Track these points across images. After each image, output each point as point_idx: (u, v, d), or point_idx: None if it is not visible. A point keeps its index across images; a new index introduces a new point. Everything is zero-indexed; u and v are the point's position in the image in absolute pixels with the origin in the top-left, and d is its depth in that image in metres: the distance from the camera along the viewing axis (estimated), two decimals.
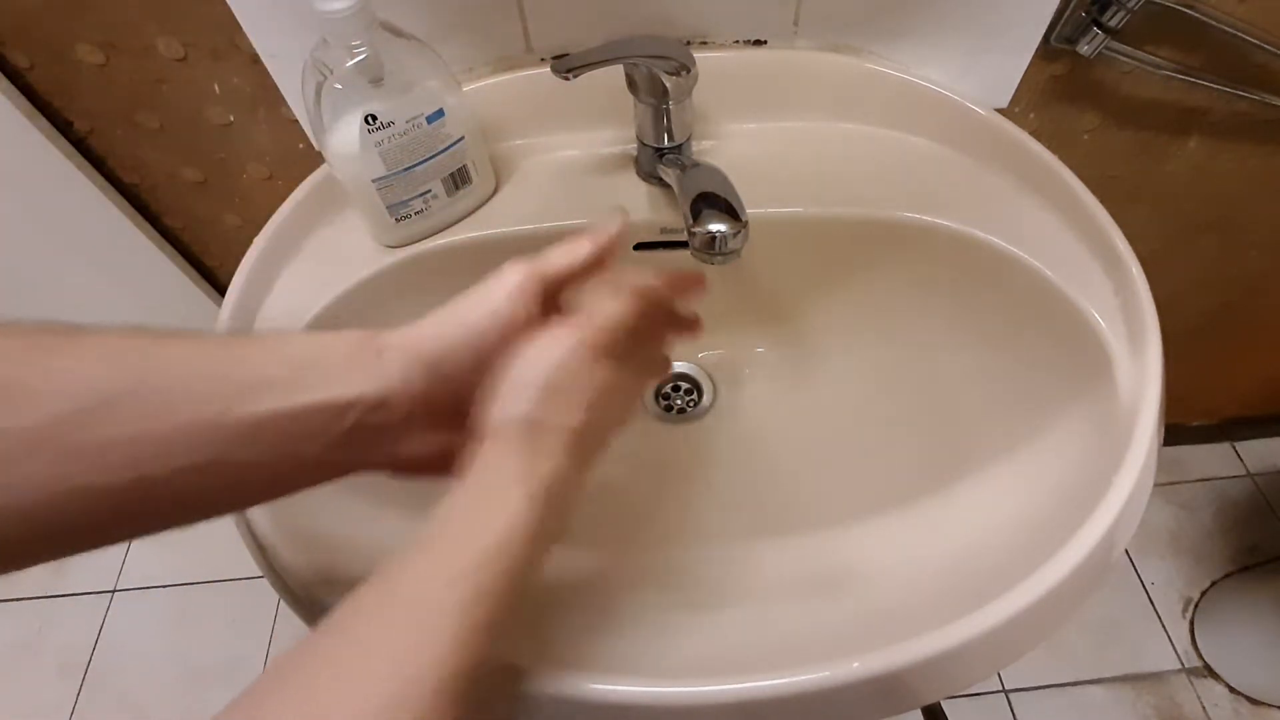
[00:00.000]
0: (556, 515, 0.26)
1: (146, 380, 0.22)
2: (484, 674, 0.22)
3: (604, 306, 0.29)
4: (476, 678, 0.22)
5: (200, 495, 0.24)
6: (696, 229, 0.36)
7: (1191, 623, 1.00)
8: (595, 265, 0.32)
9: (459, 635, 0.22)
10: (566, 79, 0.38)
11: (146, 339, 0.23)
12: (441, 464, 0.28)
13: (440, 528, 0.24)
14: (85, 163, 0.53)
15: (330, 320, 0.42)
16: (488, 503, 0.25)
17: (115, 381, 0.21)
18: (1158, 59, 0.47)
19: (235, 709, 0.20)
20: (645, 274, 0.32)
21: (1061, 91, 0.51)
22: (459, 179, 0.43)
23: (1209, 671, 0.96)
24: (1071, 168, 0.44)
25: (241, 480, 0.24)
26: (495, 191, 0.47)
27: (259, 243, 0.44)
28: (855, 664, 0.30)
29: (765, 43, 0.46)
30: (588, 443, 0.28)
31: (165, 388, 0.22)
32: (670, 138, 0.42)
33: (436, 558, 0.23)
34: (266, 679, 0.21)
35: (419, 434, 0.27)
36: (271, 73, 0.46)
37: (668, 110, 0.41)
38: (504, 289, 0.28)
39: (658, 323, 0.33)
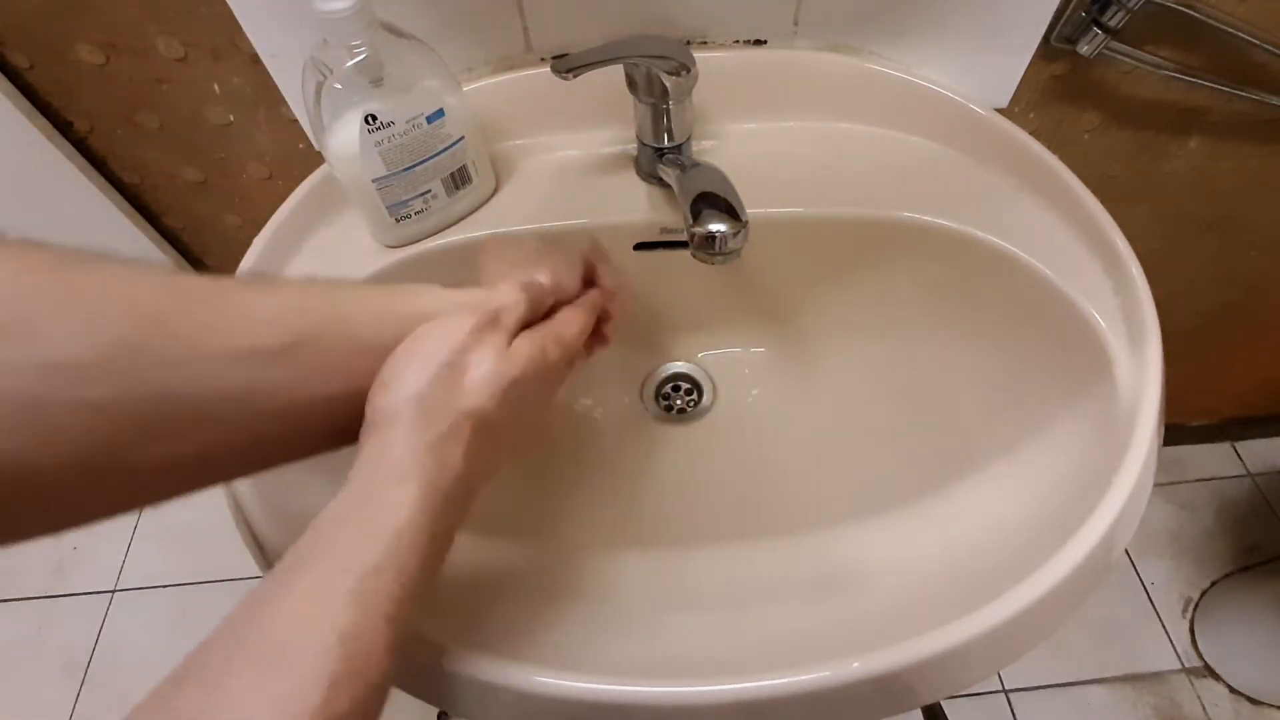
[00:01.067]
0: (455, 511, 0.25)
1: (341, 313, 0.26)
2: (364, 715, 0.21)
3: (503, 294, 0.29)
4: (368, 668, 0.21)
5: (253, 434, 0.25)
6: (696, 229, 0.36)
7: (1191, 623, 1.00)
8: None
9: (340, 676, 0.20)
10: (566, 79, 0.38)
11: (328, 284, 0.27)
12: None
13: (322, 539, 0.23)
14: (85, 163, 0.53)
15: None
16: (375, 503, 0.24)
17: (318, 314, 0.25)
18: (1158, 59, 0.47)
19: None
20: (558, 265, 0.32)
21: (1061, 91, 0.51)
22: (459, 179, 0.43)
23: (1209, 671, 0.96)
24: (1071, 168, 0.44)
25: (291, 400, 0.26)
26: (495, 191, 0.47)
27: (259, 243, 0.44)
28: (855, 664, 0.30)
29: (765, 43, 0.46)
30: (497, 427, 0.27)
31: (353, 318, 0.26)
32: (670, 138, 0.42)
33: (317, 578, 0.22)
34: (184, 670, 0.20)
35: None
36: (271, 73, 0.46)
37: (668, 110, 0.41)
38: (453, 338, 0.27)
39: (573, 315, 0.32)
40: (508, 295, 0.29)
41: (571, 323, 0.31)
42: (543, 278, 0.31)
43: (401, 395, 0.25)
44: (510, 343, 0.28)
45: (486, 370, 0.27)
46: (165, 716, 0.19)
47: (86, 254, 0.22)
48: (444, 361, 0.26)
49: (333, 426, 0.26)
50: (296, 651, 0.20)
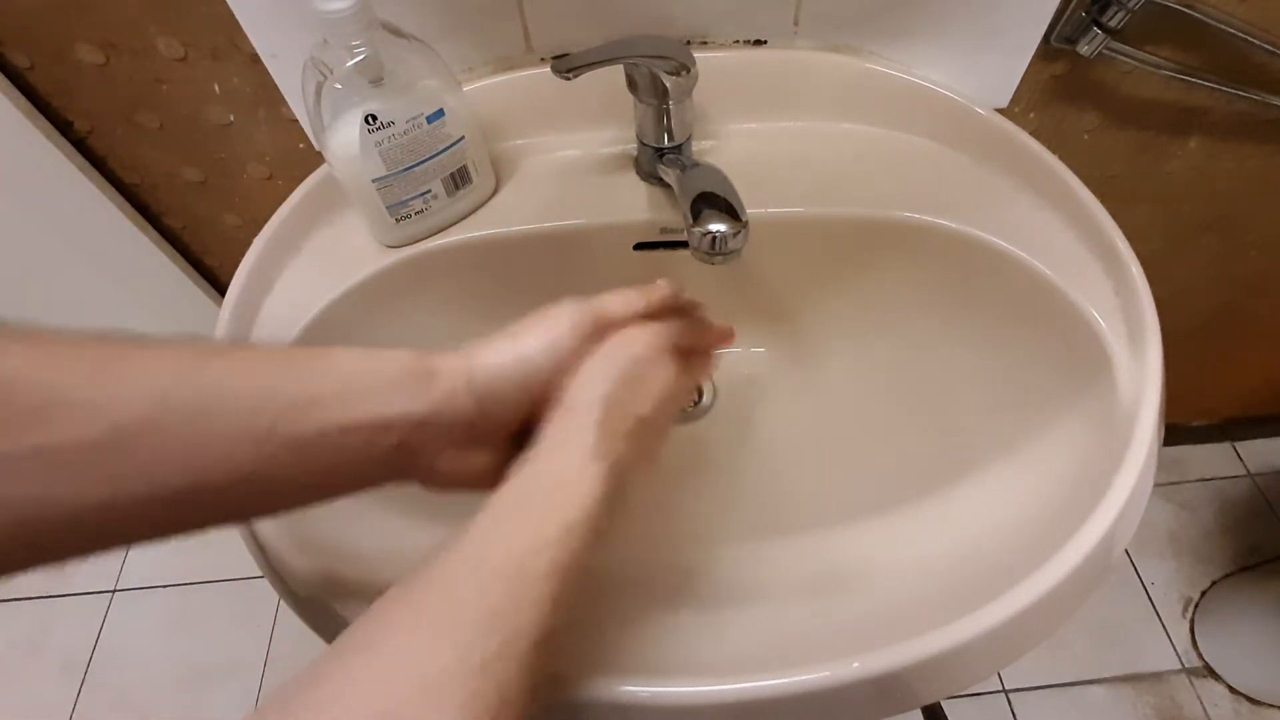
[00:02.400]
0: (620, 498, 0.27)
1: (201, 394, 0.23)
2: (557, 648, 0.23)
3: (668, 320, 0.33)
4: (554, 649, 0.23)
5: (245, 501, 0.25)
6: (696, 229, 0.36)
7: (1191, 623, 1.00)
8: (643, 316, 0.33)
9: (547, 603, 0.23)
10: (566, 79, 0.38)
11: (199, 353, 0.24)
12: (475, 480, 0.29)
13: (519, 497, 0.26)
14: (85, 163, 0.53)
15: (331, 319, 0.42)
16: (565, 476, 0.26)
17: (171, 394, 0.22)
18: (1158, 59, 0.47)
19: (331, 654, 0.21)
20: (627, 306, 0.34)
21: (1061, 91, 0.51)
22: (459, 179, 0.43)
23: (1209, 671, 0.96)
24: (1071, 168, 0.44)
25: (285, 489, 0.25)
26: (495, 191, 0.47)
27: (259, 243, 0.44)
28: (855, 664, 0.30)
29: (765, 43, 0.46)
30: (651, 435, 0.30)
31: (218, 401, 0.23)
32: (670, 138, 0.42)
33: (519, 527, 0.25)
34: (358, 628, 0.22)
35: (458, 452, 0.28)
36: (271, 73, 0.46)
37: (668, 110, 0.41)
38: (562, 326, 0.29)
39: (697, 338, 0.35)
40: (678, 324, 0.33)
41: (706, 364, 0.37)
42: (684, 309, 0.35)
43: (596, 392, 0.28)
44: (670, 360, 0.31)
45: (659, 384, 0.30)
46: (348, 654, 0.21)
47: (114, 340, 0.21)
48: (629, 372, 0.29)
49: (176, 518, 0.23)
50: (506, 584, 0.23)
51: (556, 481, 0.26)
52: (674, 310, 0.34)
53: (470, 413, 0.27)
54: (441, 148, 0.41)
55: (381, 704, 0.19)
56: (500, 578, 0.23)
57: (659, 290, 0.34)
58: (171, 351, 0.23)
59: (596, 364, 0.29)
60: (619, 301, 0.32)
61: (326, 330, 0.42)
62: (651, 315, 0.33)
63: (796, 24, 0.45)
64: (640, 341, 0.30)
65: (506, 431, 0.29)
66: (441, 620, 0.22)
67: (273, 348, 0.26)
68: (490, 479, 0.27)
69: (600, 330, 0.30)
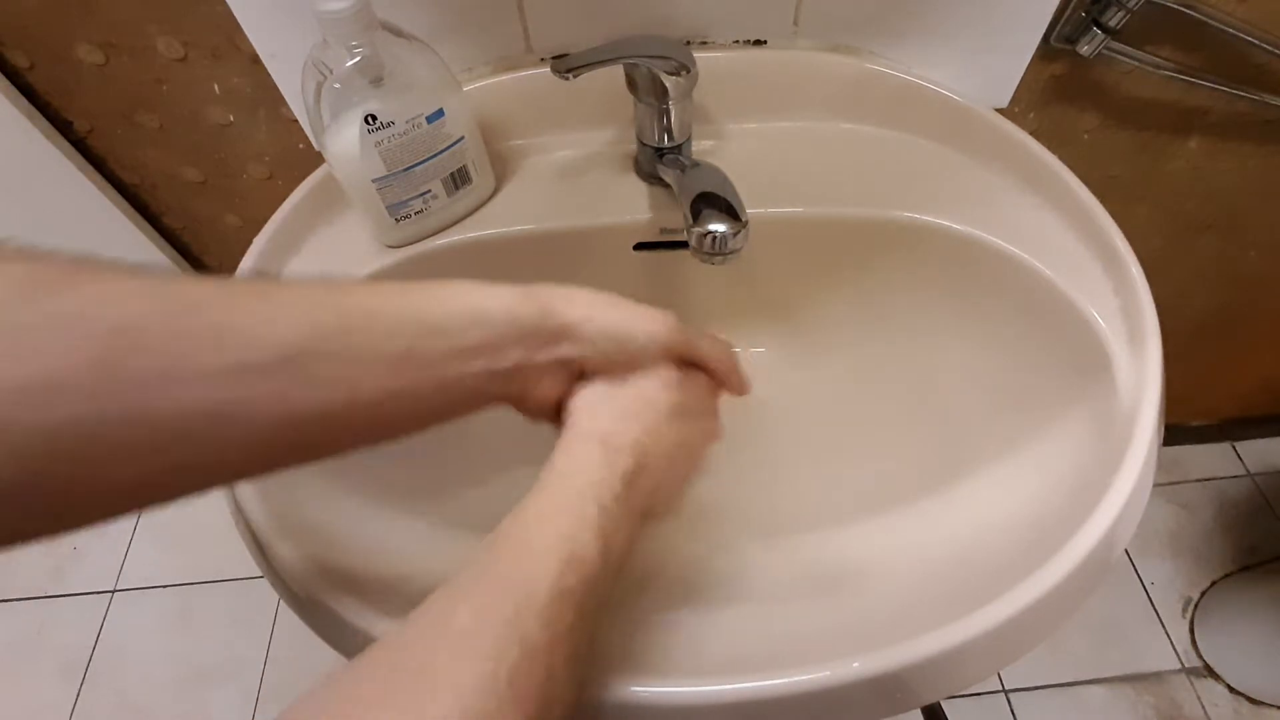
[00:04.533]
0: (627, 552, 0.29)
1: (344, 320, 0.25)
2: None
3: (690, 373, 0.34)
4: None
5: (389, 420, 0.27)
6: (697, 229, 0.36)
7: (1191, 623, 1.00)
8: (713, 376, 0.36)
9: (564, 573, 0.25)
10: (566, 79, 0.38)
11: (334, 286, 0.26)
12: (557, 413, 0.31)
13: (522, 528, 0.27)
14: (85, 163, 0.53)
15: None
16: (573, 532, 0.27)
17: (321, 321, 0.24)
18: (1158, 59, 0.47)
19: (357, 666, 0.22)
20: (713, 351, 0.35)
21: (1061, 91, 0.51)
22: (459, 179, 0.43)
23: (1209, 671, 0.96)
24: (1071, 168, 0.44)
25: (421, 408, 0.27)
26: (495, 191, 0.47)
27: (259, 243, 0.44)
28: (855, 664, 0.30)
29: (765, 43, 0.46)
30: (654, 481, 0.30)
31: (361, 324, 0.25)
32: (670, 138, 0.42)
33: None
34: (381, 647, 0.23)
35: (551, 381, 0.30)
36: (271, 73, 0.46)
37: (668, 110, 0.41)
38: (668, 323, 0.32)
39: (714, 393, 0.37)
40: (692, 376, 0.34)
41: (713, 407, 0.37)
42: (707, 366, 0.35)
43: (630, 430, 0.30)
44: (683, 413, 0.32)
45: (662, 424, 0.31)
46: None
47: (81, 264, 0.21)
48: (631, 406, 0.31)
49: (330, 438, 0.26)
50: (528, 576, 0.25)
51: (560, 535, 0.26)
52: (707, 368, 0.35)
53: (570, 352, 0.30)
54: (441, 148, 0.41)
55: None
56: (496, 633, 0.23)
57: (735, 371, 0.36)
58: (312, 286, 0.26)
59: (639, 403, 0.31)
60: (708, 345, 0.34)
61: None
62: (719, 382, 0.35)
63: (796, 24, 0.45)
64: (656, 386, 0.31)
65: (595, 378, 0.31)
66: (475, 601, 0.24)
67: (404, 284, 0.28)
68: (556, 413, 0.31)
69: (681, 355, 0.33)
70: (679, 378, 0.32)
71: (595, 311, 0.30)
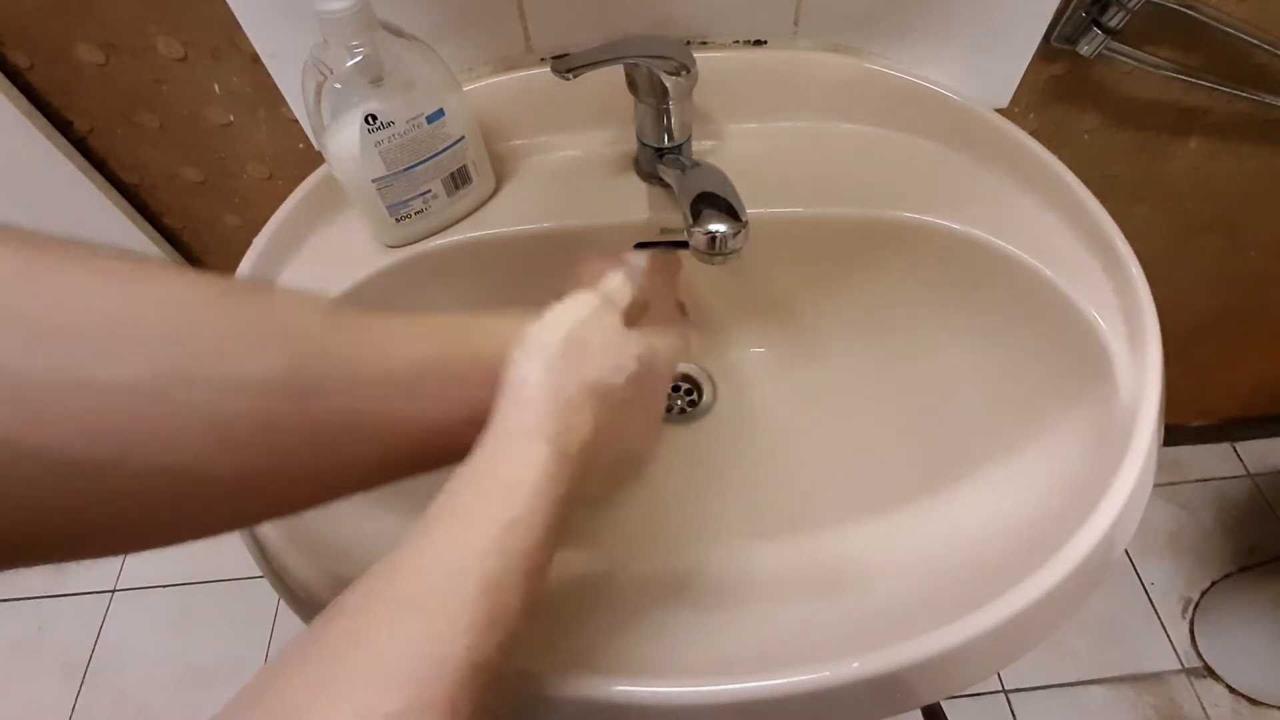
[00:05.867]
0: (577, 478, 0.26)
1: (467, 344, 0.27)
2: (503, 667, 0.22)
3: (618, 280, 0.32)
4: (497, 669, 0.22)
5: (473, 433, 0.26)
6: (697, 229, 0.36)
7: (1191, 623, 1.00)
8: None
9: (483, 623, 0.21)
10: (566, 79, 0.38)
11: (445, 315, 0.28)
12: None
13: (460, 495, 0.24)
14: (85, 163, 0.53)
15: None
16: (509, 461, 0.25)
17: (447, 343, 0.27)
18: (1158, 59, 0.47)
19: (245, 695, 0.20)
20: (641, 258, 0.35)
21: (1061, 91, 0.51)
22: (459, 179, 0.43)
23: (1209, 671, 0.96)
24: (1071, 168, 0.44)
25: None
26: (495, 191, 0.47)
27: (259, 243, 0.44)
28: (855, 664, 0.30)
29: (765, 43, 0.46)
30: (614, 411, 0.28)
31: (478, 350, 0.27)
32: (670, 138, 0.42)
33: (450, 541, 0.23)
34: (281, 663, 0.20)
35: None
36: (271, 73, 0.46)
37: (668, 110, 0.41)
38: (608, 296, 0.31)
39: (666, 307, 0.36)
40: (620, 282, 0.32)
41: (683, 333, 0.35)
42: (640, 273, 0.34)
43: (533, 364, 0.27)
44: (624, 324, 0.30)
45: (608, 346, 0.29)
46: (308, 659, 0.20)
47: (247, 282, 0.24)
48: (571, 336, 0.28)
49: (448, 448, 0.26)
50: (441, 597, 0.21)
51: (492, 479, 0.25)
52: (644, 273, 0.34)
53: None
54: (441, 148, 0.41)
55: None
56: (424, 611, 0.21)
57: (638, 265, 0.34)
58: (423, 315, 0.27)
59: (529, 338, 0.27)
60: (618, 283, 0.32)
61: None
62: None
63: (796, 24, 0.45)
64: (587, 305, 0.29)
65: None
66: (365, 652, 0.20)
67: (493, 313, 0.28)
68: None
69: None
70: (558, 318, 0.29)
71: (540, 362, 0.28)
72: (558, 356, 0.27)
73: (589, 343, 0.28)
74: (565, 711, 0.30)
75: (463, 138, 0.42)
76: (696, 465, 0.50)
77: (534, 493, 0.24)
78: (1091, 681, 0.96)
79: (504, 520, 0.23)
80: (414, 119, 0.39)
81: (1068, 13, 0.45)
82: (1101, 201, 0.42)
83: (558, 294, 0.31)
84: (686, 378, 0.54)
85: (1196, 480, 1.11)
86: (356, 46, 0.36)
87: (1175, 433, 1.08)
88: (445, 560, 0.23)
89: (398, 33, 0.37)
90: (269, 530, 0.35)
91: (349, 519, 0.38)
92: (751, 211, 0.37)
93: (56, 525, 0.19)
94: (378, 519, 0.39)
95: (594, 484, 0.28)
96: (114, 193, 0.55)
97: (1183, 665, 0.97)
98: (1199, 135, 0.55)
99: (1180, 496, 1.10)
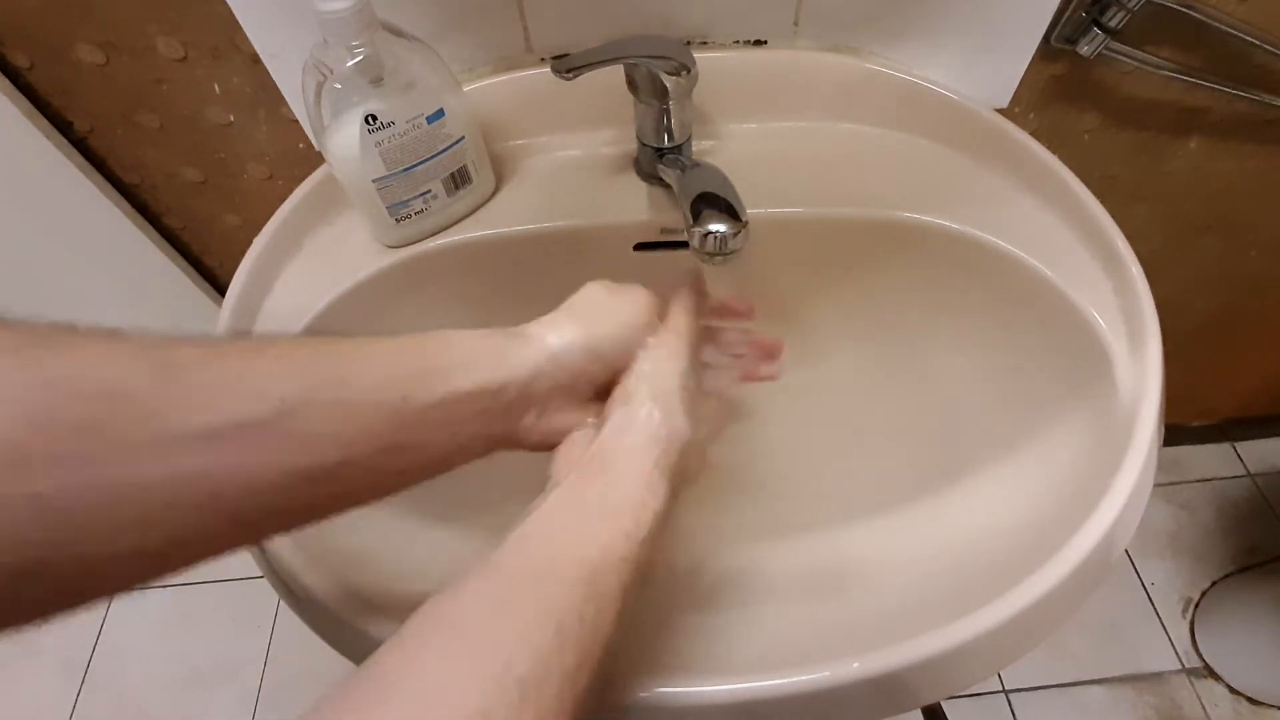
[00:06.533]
0: (670, 515, 0.28)
1: (338, 373, 0.25)
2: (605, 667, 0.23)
3: (690, 323, 0.33)
4: (598, 669, 0.23)
5: (386, 474, 0.26)
6: (697, 229, 0.36)
7: (1191, 623, 1.00)
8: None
9: (614, 620, 0.24)
10: (566, 79, 0.38)
11: (325, 340, 0.26)
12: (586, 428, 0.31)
13: (584, 507, 0.26)
14: (85, 163, 0.53)
15: (332, 320, 0.42)
16: (631, 490, 0.26)
17: (314, 375, 0.24)
18: (1158, 59, 0.47)
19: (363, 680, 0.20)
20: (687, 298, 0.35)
21: (1061, 91, 0.51)
22: (459, 179, 0.43)
23: (1209, 671, 0.96)
24: (1071, 168, 0.44)
25: (417, 459, 0.27)
26: (495, 191, 0.47)
27: (259, 243, 0.44)
28: (855, 664, 0.30)
29: (765, 43, 0.46)
30: (693, 457, 0.30)
31: (356, 377, 0.25)
32: (670, 138, 0.42)
33: (585, 538, 0.25)
34: (391, 652, 0.21)
35: (559, 411, 0.30)
36: (271, 73, 0.46)
37: (668, 110, 0.41)
38: (646, 297, 0.32)
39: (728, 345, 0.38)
40: (689, 325, 0.32)
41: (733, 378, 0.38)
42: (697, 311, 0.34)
43: (639, 416, 0.28)
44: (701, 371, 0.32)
45: (703, 401, 0.31)
46: (354, 685, 0.20)
47: (62, 328, 0.20)
48: (678, 387, 0.30)
49: (329, 496, 0.25)
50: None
51: (624, 495, 0.26)
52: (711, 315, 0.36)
53: (566, 374, 0.29)
54: (441, 148, 0.41)
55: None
56: (569, 588, 0.23)
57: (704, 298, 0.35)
58: (300, 341, 0.26)
59: (663, 363, 0.30)
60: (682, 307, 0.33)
61: (327, 330, 0.42)
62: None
63: (796, 24, 0.45)
64: (683, 357, 0.31)
65: (604, 392, 0.31)
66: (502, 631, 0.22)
67: (393, 336, 0.28)
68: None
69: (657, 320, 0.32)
70: (679, 342, 0.31)
71: (578, 330, 0.30)
72: (683, 395, 0.29)
73: (687, 399, 0.30)
74: None
75: (463, 138, 0.42)
76: None
77: (654, 520, 0.26)
78: (1091, 681, 0.96)
79: (638, 535, 0.25)
80: (414, 119, 0.39)
81: (1068, 13, 0.45)
82: (1101, 201, 0.42)
83: (558, 298, 0.32)
84: None
85: (1196, 480, 1.11)
86: (357, 46, 0.36)
87: (1175, 433, 1.08)
88: (587, 556, 0.24)
89: (398, 33, 0.37)
90: None
91: (350, 519, 0.38)
92: (751, 211, 0.37)
93: None
94: (379, 519, 0.39)
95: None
96: (114, 193, 0.55)
97: (1183, 665, 0.97)
98: (1199, 135, 0.55)
99: (1180, 496, 1.10)
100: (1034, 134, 0.45)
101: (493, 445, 0.29)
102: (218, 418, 0.21)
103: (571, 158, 0.48)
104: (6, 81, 0.47)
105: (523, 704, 0.20)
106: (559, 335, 0.29)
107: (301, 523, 0.25)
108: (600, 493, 0.26)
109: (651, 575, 0.26)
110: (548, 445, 0.30)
